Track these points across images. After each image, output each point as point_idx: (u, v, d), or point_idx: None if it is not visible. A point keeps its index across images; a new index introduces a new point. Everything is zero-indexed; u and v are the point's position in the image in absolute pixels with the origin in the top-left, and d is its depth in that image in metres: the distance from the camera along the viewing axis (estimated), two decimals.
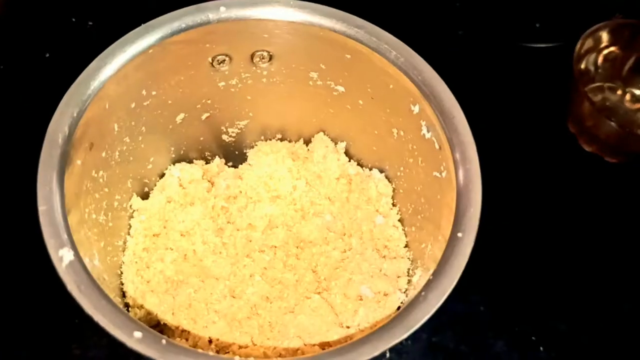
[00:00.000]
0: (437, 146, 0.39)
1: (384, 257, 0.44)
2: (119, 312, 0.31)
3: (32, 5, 0.59)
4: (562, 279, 0.48)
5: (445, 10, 0.61)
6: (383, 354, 0.44)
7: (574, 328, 0.47)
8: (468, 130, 0.37)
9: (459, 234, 0.34)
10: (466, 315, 0.47)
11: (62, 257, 0.32)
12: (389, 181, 0.47)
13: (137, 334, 0.31)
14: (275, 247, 0.45)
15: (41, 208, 0.33)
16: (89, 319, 0.31)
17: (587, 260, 0.49)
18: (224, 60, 0.42)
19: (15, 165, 0.47)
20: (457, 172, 0.36)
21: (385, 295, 0.42)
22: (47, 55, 0.56)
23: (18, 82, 0.54)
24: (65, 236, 0.33)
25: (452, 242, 0.34)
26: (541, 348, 0.46)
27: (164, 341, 0.31)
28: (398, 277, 0.43)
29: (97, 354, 0.43)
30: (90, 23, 0.58)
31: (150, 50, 0.39)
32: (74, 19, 0.58)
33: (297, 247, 0.45)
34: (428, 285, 0.33)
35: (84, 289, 0.32)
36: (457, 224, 0.35)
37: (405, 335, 0.32)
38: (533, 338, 0.46)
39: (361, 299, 0.42)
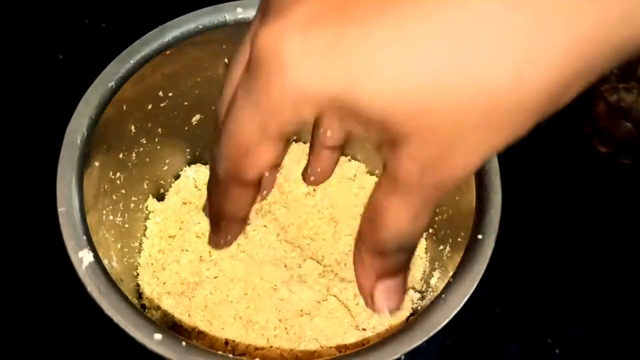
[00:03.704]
0: None
1: None
2: (138, 314, 0.31)
3: (45, 7, 0.59)
4: (577, 280, 0.48)
5: None
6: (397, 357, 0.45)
7: (590, 331, 0.46)
8: None
9: (480, 236, 0.34)
10: (481, 318, 0.46)
11: (82, 259, 0.32)
12: None
13: (158, 336, 0.31)
14: (291, 247, 0.45)
15: (60, 210, 0.33)
16: (108, 321, 0.31)
17: (603, 261, 0.49)
18: None
19: (32, 168, 0.47)
20: (476, 173, 0.36)
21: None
22: (61, 57, 0.56)
23: (32, 85, 0.54)
24: (84, 238, 0.33)
25: (472, 244, 0.34)
26: (557, 351, 0.45)
27: (184, 343, 0.31)
28: (413, 275, 0.43)
29: (116, 356, 0.43)
30: (104, 25, 0.58)
31: (168, 52, 0.39)
32: (87, 21, 0.58)
33: (313, 249, 0.45)
34: (448, 288, 0.33)
35: (104, 291, 0.32)
36: (477, 226, 0.35)
37: (425, 339, 0.32)
38: (549, 341, 0.46)
39: None
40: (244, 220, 0.26)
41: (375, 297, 0.23)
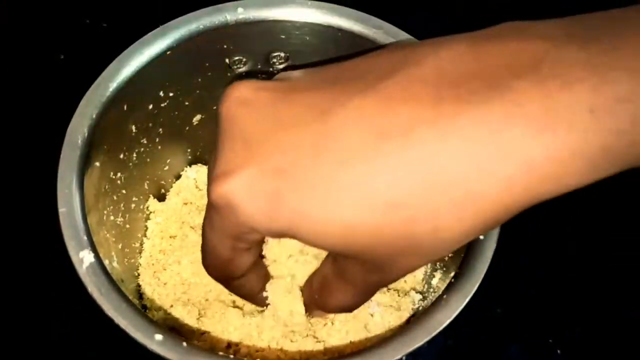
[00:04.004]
0: None
1: None
2: (139, 314, 0.31)
3: (46, 8, 0.59)
4: (579, 281, 0.48)
5: (462, 11, 0.61)
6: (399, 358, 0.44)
7: (592, 332, 0.46)
8: None
9: (481, 237, 0.34)
10: (482, 318, 0.46)
11: (82, 259, 0.32)
12: None
13: (158, 337, 0.30)
14: (292, 249, 0.45)
15: (61, 210, 0.33)
16: (109, 321, 0.31)
17: (604, 262, 0.49)
18: (241, 62, 0.42)
19: (32, 168, 0.47)
20: None
21: (404, 294, 0.42)
22: (62, 57, 0.56)
23: (33, 85, 0.54)
24: (85, 238, 0.33)
25: (474, 244, 0.34)
26: (558, 351, 0.45)
27: (184, 344, 0.31)
28: (414, 276, 0.43)
29: (116, 356, 0.43)
30: (104, 25, 0.58)
31: (168, 52, 0.39)
32: (87, 21, 0.58)
33: (315, 250, 0.45)
34: (449, 288, 0.33)
35: (104, 292, 0.31)
36: None
37: (426, 339, 0.32)
38: (550, 341, 0.46)
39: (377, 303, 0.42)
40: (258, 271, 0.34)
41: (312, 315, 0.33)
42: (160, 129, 0.43)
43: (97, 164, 0.37)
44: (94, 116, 0.36)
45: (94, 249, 0.33)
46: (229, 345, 0.40)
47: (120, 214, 0.41)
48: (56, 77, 0.55)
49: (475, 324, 0.46)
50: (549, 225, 0.50)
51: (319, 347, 0.40)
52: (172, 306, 0.41)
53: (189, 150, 0.47)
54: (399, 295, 0.42)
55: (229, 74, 0.43)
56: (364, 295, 0.27)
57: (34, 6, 0.59)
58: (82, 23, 0.58)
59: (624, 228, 0.50)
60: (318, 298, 0.28)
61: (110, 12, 0.59)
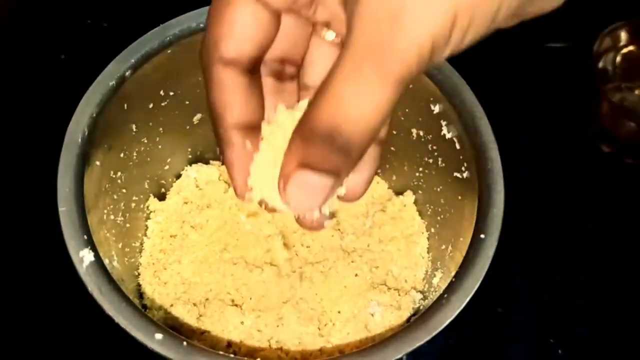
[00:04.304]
0: (457, 146, 0.38)
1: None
2: (139, 313, 0.31)
3: (47, 7, 0.59)
4: (580, 280, 0.48)
5: None
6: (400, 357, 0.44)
7: (593, 331, 0.46)
8: (490, 129, 0.36)
9: (482, 235, 0.34)
10: (483, 318, 0.46)
11: (82, 258, 0.32)
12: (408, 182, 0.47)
13: (158, 336, 0.31)
14: (293, 248, 0.45)
15: (61, 209, 0.33)
16: (109, 321, 0.31)
17: (606, 261, 0.49)
18: None
19: (33, 167, 0.47)
20: (479, 172, 0.36)
21: (405, 294, 0.42)
22: (63, 56, 0.56)
23: (34, 84, 0.54)
24: (85, 237, 0.33)
25: (475, 243, 0.34)
26: (559, 351, 0.45)
27: (185, 343, 0.31)
28: (415, 276, 0.43)
29: (116, 356, 0.43)
30: (105, 24, 0.58)
31: (169, 51, 0.38)
32: (89, 21, 0.58)
33: (315, 249, 0.45)
34: (450, 287, 0.33)
35: (104, 291, 0.31)
36: (479, 225, 0.34)
37: (428, 338, 0.32)
38: (551, 341, 0.46)
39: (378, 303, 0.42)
40: (249, 130, 0.24)
41: (287, 184, 0.21)
42: (161, 128, 0.43)
43: (98, 162, 0.37)
44: (94, 115, 0.36)
45: (94, 248, 0.33)
46: (229, 344, 0.40)
47: (120, 213, 0.41)
48: (57, 76, 0.55)
49: (476, 324, 0.46)
50: (549, 225, 0.50)
51: (320, 346, 0.40)
52: (172, 305, 0.41)
53: (189, 149, 0.47)
54: (399, 295, 0.42)
55: None
56: (376, 86, 0.20)
57: (35, 6, 0.59)
58: (83, 23, 0.58)
59: (624, 227, 0.50)
60: (307, 111, 0.21)
61: (110, 12, 0.59)
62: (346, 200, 0.26)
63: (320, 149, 0.20)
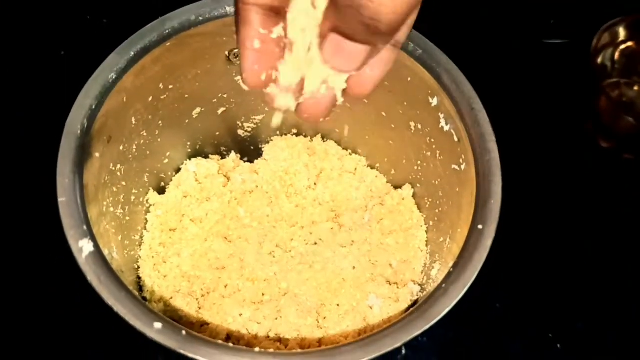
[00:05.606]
0: (455, 139, 0.38)
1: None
2: (138, 303, 0.31)
3: (47, 4, 0.59)
4: (579, 276, 0.48)
5: (460, 5, 0.61)
6: (399, 350, 0.44)
7: (591, 326, 0.46)
8: (488, 121, 0.37)
9: (480, 226, 0.34)
10: (482, 312, 0.46)
11: (82, 248, 0.32)
12: (406, 175, 0.47)
13: (157, 325, 0.31)
14: (292, 241, 0.45)
15: (61, 199, 0.33)
16: (108, 310, 0.31)
17: (604, 256, 0.49)
18: None
19: (34, 162, 0.47)
20: (477, 164, 0.36)
21: (403, 286, 0.42)
22: (63, 53, 0.56)
23: (35, 80, 0.55)
24: (84, 227, 0.33)
25: (472, 234, 0.34)
26: (558, 345, 0.45)
27: (184, 332, 0.31)
28: (414, 268, 0.44)
29: (114, 347, 0.43)
30: (105, 20, 0.58)
31: (168, 44, 0.39)
32: (88, 17, 0.59)
33: (314, 243, 0.45)
34: (448, 278, 0.33)
35: (104, 280, 0.31)
36: (477, 216, 0.34)
37: (426, 327, 0.32)
38: (550, 335, 0.46)
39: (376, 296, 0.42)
40: (270, 14, 0.25)
41: (324, 44, 0.24)
42: (160, 122, 0.43)
43: (97, 154, 0.37)
44: (93, 107, 0.36)
45: (94, 238, 0.33)
46: (229, 336, 0.40)
47: (120, 206, 0.41)
48: (57, 72, 0.55)
49: (476, 319, 0.46)
50: (548, 221, 0.50)
51: (318, 334, 0.40)
52: (172, 298, 0.41)
53: (188, 143, 0.47)
54: (397, 287, 0.42)
55: (228, 67, 0.43)
56: None
57: (35, 2, 0.59)
58: (83, 19, 0.58)
59: (622, 222, 0.50)
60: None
61: (110, 8, 0.59)
62: (353, 95, 0.28)
63: (346, 18, 0.22)
